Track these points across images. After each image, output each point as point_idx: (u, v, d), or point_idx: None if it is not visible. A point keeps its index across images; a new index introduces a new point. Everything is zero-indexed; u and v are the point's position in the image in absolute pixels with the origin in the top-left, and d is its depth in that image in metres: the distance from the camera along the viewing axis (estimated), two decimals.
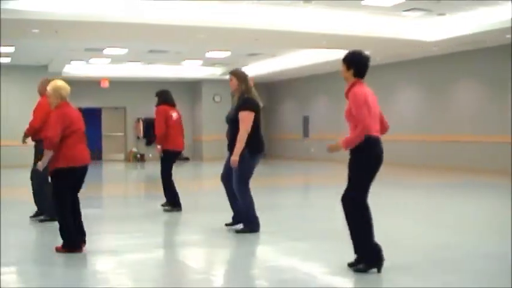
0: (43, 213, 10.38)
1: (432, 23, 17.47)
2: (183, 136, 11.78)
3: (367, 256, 6.41)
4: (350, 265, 6.52)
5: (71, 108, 8.27)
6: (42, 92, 10.12)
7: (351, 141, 6.32)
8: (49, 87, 8.05)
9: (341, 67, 6.70)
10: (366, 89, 6.63)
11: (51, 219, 10.00)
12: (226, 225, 9.33)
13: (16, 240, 9.02)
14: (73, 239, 7.76)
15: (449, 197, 13.81)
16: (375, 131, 6.40)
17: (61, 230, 7.79)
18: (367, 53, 6.90)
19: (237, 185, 8.90)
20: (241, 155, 8.68)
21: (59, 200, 7.82)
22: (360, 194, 6.41)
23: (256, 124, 8.83)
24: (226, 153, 9.10)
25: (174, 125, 11.55)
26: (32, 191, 10.48)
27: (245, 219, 9.06)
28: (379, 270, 6.35)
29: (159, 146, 11.55)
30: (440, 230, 9.44)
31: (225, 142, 9.18)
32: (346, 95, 6.57)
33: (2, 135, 23.45)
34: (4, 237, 8.96)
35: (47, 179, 10.08)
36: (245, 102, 8.85)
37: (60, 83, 8.23)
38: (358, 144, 6.30)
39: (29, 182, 10.58)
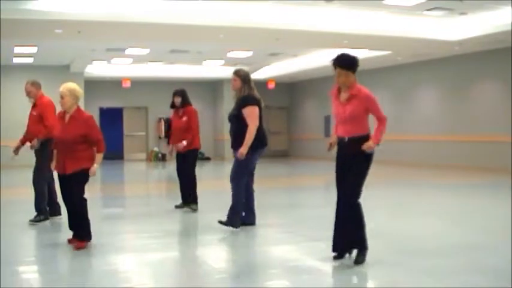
0: (40, 214, 10.17)
1: (454, 23, 17.39)
2: None
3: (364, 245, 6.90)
4: (338, 257, 7.02)
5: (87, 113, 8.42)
6: (35, 94, 10.14)
7: (380, 136, 6.79)
8: (64, 88, 8.06)
9: (340, 75, 6.84)
10: None
11: (45, 219, 10.17)
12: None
13: (31, 240, 9.09)
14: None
15: (477, 197, 13.72)
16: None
17: (86, 226, 8.06)
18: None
19: (233, 175, 9.10)
20: (250, 151, 8.86)
21: (84, 201, 8.14)
22: (360, 192, 6.85)
23: (259, 119, 9.02)
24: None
25: None
26: (34, 193, 10.19)
27: (230, 212, 9.17)
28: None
29: (184, 142, 11.39)
30: (467, 230, 9.40)
31: None
32: (351, 96, 6.82)
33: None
34: (20, 236, 9.01)
35: (53, 180, 10.10)
36: (246, 99, 9.04)
37: (74, 85, 8.24)
38: (364, 141, 6.72)
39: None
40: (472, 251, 7.71)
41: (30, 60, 23.57)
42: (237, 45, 21.07)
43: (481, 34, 17.33)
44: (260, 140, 9.03)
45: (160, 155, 30.61)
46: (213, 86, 31.34)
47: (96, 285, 6.41)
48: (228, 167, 24.40)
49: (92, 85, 28.17)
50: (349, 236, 6.92)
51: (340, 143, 6.95)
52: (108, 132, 30.57)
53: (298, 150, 30.99)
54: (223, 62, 26.20)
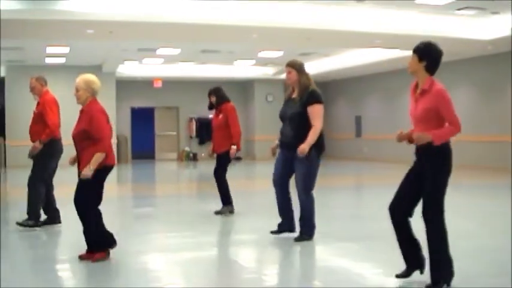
0: (30, 219, 9.52)
1: (486, 22, 17.24)
2: None
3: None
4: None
5: (101, 106, 7.46)
6: (39, 90, 9.63)
7: (445, 135, 5.85)
8: (80, 80, 7.36)
9: (410, 59, 5.99)
10: None
11: (34, 225, 9.48)
12: (272, 232, 8.66)
13: (63, 238, 9.14)
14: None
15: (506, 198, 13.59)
16: None
17: (91, 235, 7.37)
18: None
19: (303, 188, 8.22)
20: (309, 156, 8.08)
21: (88, 206, 7.29)
22: (442, 203, 6.02)
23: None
24: (278, 153, 8.67)
25: None
26: (28, 195, 9.57)
27: (306, 225, 8.34)
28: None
29: (234, 147, 10.88)
30: (492, 232, 9.30)
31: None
32: (423, 91, 5.90)
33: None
34: (52, 233, 9.06)
35: (52, 186, 9.71)
36: (313, 95, 8.28)
37: (92, 77, 7.47)
38: (442, 148, 5.92)
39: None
40: (496, 253, 7.63)
41: (62, 60, 23.76)
42: (268, 45, 21.06)
43: None
44: (322, 144, 8.33)
45: (191, 155, 30.69)
46: (244, 86, 31.36)
47: (127, 285, 6.42)
48: (259, 167, 24.33)
49: (124, 85, 28.34)
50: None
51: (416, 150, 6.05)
52: (140, 132, 31.01)
53: (329, 150, 30.85)
54: (254, 61, 26.23)
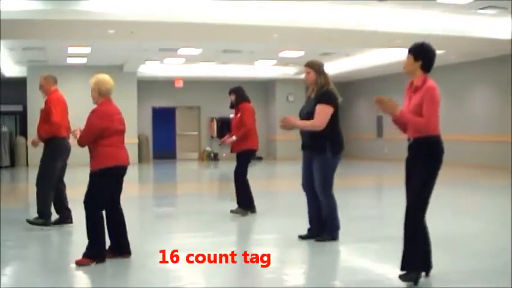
0: (40, 217, 9.56)
1: (507, 21, 17.12)
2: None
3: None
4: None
5: (112, 107, 7.48)
6: (47, 89, 9.69)
7: (412, 121, 5.92)
8: (91, 81, 7.42)
9: (405, 58, 6.15)
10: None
11: (44, 224, 9.49)
12: (301, 237, 8.54)
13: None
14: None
15: None
16: (438, 130, 6.02)
17: (89, 237, 7.27)
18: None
19: (320, 188, 8.23)
20: (324, 156, 8.08)
21: (90, 206, 7.24)
22: (424, 205, 6.00)
23: (335, 120, 8.20)
24: (300, 153, 8.65)
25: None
26: (36, 195, 9.71)
27: (328, 226, 8.34)
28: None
29: (234, 137, 10.99)
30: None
31: (299, 142, 8.65)
32: (416, 88, 6.01)
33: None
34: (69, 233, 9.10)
35: (64, 184, 9.79)
36: (325, 95, 8.19)
37: (102, 76, 7.46)
38: (432, 144, 5.97)
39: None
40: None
41: (84, 60, 23.88)
42: (289, 45, 21.05)
43: None
44: (339, 145, 8.24)
45: (212, 155, 30.72)
46: (265, 86, 31.35)
47: (147, 284, 6.45)
48: (279, 167, 24.29)
49: (145, 85, 28.45)
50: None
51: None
52: (161, 131, 31.09)
53: (350, 150, 30.83)
54: (275, 61, 26.21)
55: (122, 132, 7.45)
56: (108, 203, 7.35)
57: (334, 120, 8.17)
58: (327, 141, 8.11)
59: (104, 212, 7.32)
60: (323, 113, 8.08)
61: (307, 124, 8.13)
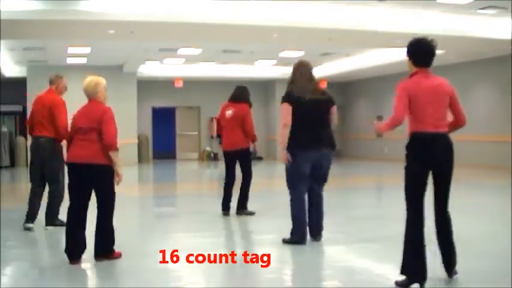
0: (33, 219, 9.53)
1: (507, 21, 17.12)
2: None
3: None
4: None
5: (82, 108, 7.50)
6: (61, 91, 9.79)
7: (379, 127, 6.41)
8: (98, 85, 7.37)
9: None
10: (420, 80, 6.33)
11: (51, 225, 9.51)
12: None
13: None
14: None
15: None
16: (421, 127, 6.17)
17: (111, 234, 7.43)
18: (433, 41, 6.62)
19: (287, 184, 8.35)
20: (290, 153, 8.02)
21: (113, 201, 7.41)
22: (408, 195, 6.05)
23: (298, 117, 8.06)
24: None
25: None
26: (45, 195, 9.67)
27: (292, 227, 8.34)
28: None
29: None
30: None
31: None
32: None
33: None
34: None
35: (63, 181, 9.61)
36: (284, 96, 8.30)
37: (89, 78, 7.44)
38: (410, 140, 6.22)
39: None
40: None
41: (83, 60, 23.86)
42: (289, 45, 21.05)
43: None
44: (302, 142, 8.05)
45: (212, 155, 30.74)
46: (265, 86, 31.35)
47: (148, 284, 6.44)
48: (279, 167, 24.39)
49: (145, 85, 28.45)
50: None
51: None
52: (161, 131, 31.09)
53: (351, 150, 30.85)
54: (275, 61, 26.21)
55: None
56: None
57: (297, 117, 8.09)
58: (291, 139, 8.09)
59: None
60: (281, 112, 8.15)
61: (279, 134, 8.20)
